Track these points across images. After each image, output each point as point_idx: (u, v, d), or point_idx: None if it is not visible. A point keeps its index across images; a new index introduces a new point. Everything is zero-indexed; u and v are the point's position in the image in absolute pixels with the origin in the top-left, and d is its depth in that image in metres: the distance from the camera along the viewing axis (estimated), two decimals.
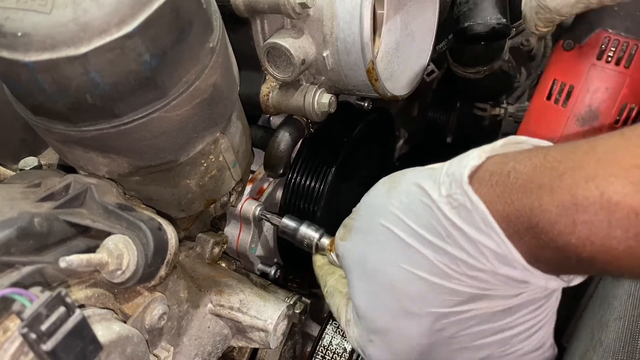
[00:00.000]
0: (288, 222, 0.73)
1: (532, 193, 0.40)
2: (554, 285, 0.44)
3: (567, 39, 0.63)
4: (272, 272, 0.88)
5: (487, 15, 0.99)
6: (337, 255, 0.59)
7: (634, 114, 0.61)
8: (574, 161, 0.38)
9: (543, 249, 0.40)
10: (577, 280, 0.45)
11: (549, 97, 0.64)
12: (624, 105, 0.58)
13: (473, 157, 0.45)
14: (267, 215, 0.79)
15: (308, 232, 0.71)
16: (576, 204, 0.37)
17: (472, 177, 0.44)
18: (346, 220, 0.59)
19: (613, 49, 0.59)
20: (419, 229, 0.46)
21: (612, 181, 0.36)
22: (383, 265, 0.50)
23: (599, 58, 0.59)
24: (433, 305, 0.47)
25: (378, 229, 0.50)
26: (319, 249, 0.70)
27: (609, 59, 0.59)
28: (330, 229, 0.90)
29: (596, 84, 0.59)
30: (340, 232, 0.59)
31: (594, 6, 0.56)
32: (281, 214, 0.86)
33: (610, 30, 0.59)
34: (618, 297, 0.84)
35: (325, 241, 0.70)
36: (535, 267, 0.42)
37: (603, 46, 0.59)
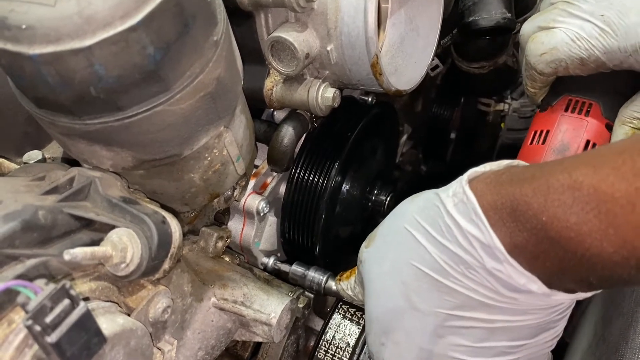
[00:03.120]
0: (296, 268, 0.82)
1: (516, 183, 0.45)
2: (534, 288, 0.45)
3: (542, 106, 0.85)
4: (270, 262, 0.87)
5: (492, 10, 0.99)
6: (360, 262, 0.61)
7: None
8: (557, 161, 0.45)
9: (521, 232, 0.44)
10: (560, 295, 0.46)
11: (531, 143, 0.82)
12: (588, 142, 0.78)
13: (477, 167, 0.51)
14: (278, 265, 0.87)
15: (315, 275, 0.80)
16: (549, 187, 0.42)
17: (473, 180, 0.49)
18: (372, 232, 0.62)
19: (575, 106, 0.80)
20: (428, 226, 0.50)
21: (580, 168, 0.42)
22: (398, 264, 0.53)
23: (565, 110, 0.80)
24: (435, 304, 0.50)
25: (399, 231, 0.54)
26: (326, 291, 0.78)
27: (573, 110, 0.80)
28: (333, 224, 0.90)
29: (565, 126, 0.80)
30: (365, 242, 0.62)
31: (562, 72, 0.75)
32: (285, 209, 0.86)
33: (572, 95, 0.81)
34: (621, 293, 0.83)
35: (332, 283, 0.79)
36: (516, 260, 0.44)
37: (568, 104, 0.81)
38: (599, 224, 0.40)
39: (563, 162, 0.44)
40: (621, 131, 0.74)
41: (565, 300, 0.47)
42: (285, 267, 0.84)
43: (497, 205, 0.45)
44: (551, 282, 0.45)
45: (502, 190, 0.46)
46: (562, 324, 0.52)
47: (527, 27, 0.78)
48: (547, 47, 0.73)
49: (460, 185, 0.48)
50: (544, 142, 0.80)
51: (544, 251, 0.43)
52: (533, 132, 0.83)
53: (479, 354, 0.50)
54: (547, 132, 0.80)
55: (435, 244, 0.49)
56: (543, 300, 0.46)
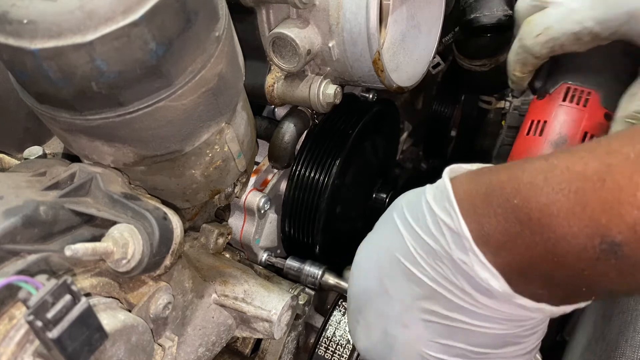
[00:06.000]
0: (292, 262, 0.82)
1: (494, 171, 0.45)
2: (496, 285, 0.43)
3: (539, 93, 0.82)
4: (264, 257, 0.87)
5: (494, 7, 0.98)
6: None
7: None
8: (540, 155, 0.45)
9: (490, 219, 0.43)
10: (523, 300, 0.44)
11: (528, 133, 0.80)
12: (585, 133, 0.76)
13: (464, 164, 0.51)
14: (272, 260, 0.87)
15: (312, 269, 0.80)
16: (524, 171, 0.42)
17: (457, 173, 0.49)
18: None
19: (573, 95, 0.77)
20: (409, 216, 0.50)
21: (558, 154, 0.42)
22: (378, 249, 0.54)
23: (564, 100, 0.78)
24: (403, 292, 0.50)
25: (387, 220, 0.55)
26: (323, 286, 0.78)
27: (572, 99, 0.77)
28: (333, 221, 0.90)
29: (563, 117, 0.77)
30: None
31: (558, 50, 0.72)
32: (285, 206, 0.86)
33: (570, 82, 0.78)
34: None
35: (328, 277, 0.79)
36: (482, 250, 0.43)
37: (566, 93, 0.78)
38: (567, 203, 0.39)
39: (545, 154, 0.44)
40: (622, 127, 0.73)
41: (530, 309, 0.45)
42: (279, 262, 0.84)
43: (472, 193, 0.45)
44: (515, 282, 0.44)
45: (479, 178, 0.46)
46: (533, 341, 0.50)
47: (521, 3, 0.77)
48: (541, 28, 0.72)
49: (442, 176, 0.49)
50: (541, 134, 0.79)
51: (511, 239, 0.42)
52: (530, 122, 0.81)
53: (440, 350, 0.50)
54: (545, 122, 0.79)
55: (411, 232, 0.49)
56: (505, 306, 0.45)
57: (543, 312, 0.46)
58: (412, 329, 0.50)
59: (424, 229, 0.47)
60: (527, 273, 0.43)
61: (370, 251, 0.56)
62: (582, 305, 0.46)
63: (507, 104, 1.43)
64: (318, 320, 0.83)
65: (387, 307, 0.52)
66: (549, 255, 0.41)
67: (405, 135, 1.36)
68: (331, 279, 0.81)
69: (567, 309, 0.46)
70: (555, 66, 0.79)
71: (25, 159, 0.66)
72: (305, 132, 0.86)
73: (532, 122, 0.81)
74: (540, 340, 0.52)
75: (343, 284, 0.80)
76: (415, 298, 0.49)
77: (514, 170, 0.43)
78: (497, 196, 0.43)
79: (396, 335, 0.52)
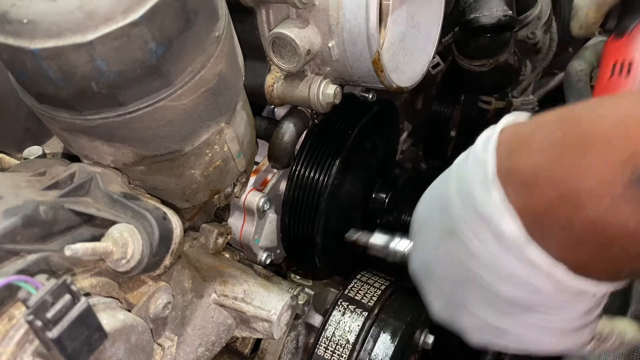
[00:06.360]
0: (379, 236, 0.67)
1: (546, 114, 0.42)
2: (510, 227, 0.40)
3: (616, 31, 0.76)
4: (263, 257, 0.87)
5: (493, 7, 0.98)
6: None
7: None
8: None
9: (523, 155, 0.41)
10: (533, 250, 0.40)
11: (611, 76, 0.74)
12: None
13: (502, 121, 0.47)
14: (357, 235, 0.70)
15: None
16: (554, 142, 0.39)
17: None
18: None
19: None
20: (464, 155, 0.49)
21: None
22: (438, 181, 0.54)
23: None
24: (436, 225, 0.50)
25: (458, 162, 0.53)
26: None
27: None
28: (333, 220, 0.90)
29: None
30: None
31: None
32: (285, 206, 0.86)
33: None
34: (625, 293, 0.83)
35: None
36: (505, 188, 0.41)
37: None
38: (607, 131, 0.37)
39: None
40: None
41: (540, 267, 0.40)
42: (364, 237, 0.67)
43: (518, 131, 0.43)
44: (531, 229, 0.40)
45: (530, 120, 0.44)
46: (563, 317, 0.45)
47: None
48: None
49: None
50: (628, 74, 0.72)
51: (538, 174, 0.40)
52: (612, 65, 0.75)
53: (462, 298, 0.49)
54: (630, 63, 0.73)
55: (456, 168, 0.49)
56: (518, 264, 0.41)
57: (556, 280, 0.41)
58: (441, 265, 0.50)
59: (462, 165, 0.47)
60: (545, 219, 0.40)
61: (434, 182, 0.57)
62: (602, 288, 0.42)
63: (508, 104, 1.44)
64: (317, 320, 0.83)
65: (428, 235, 0.53)
66: (572, 194, 0.38)
67: (405, 135, 1.36)
68: None
69: (582, 284, 0.41)
70: (629, 3, 0.74)
71: (25, 158, 0.66)
72: (305, 132, 0.86)
73: (615, 64, 0.75)
74: (574, 327, 0.46)
75: None
76: (444, 232, 0.48)
77: (569, 107, 0.42)
78: (541, 132, 0.41)
79: (431, 266, 0.53)
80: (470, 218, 0.43)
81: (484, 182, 0.42)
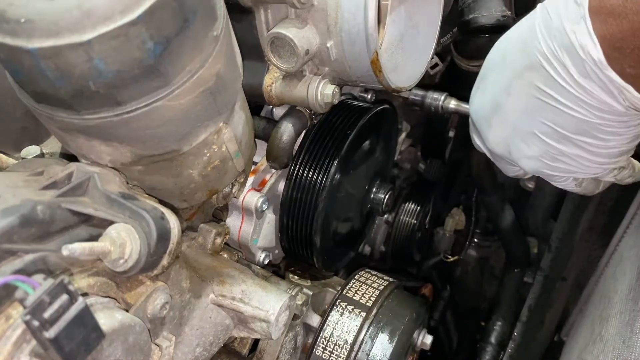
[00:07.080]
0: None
1: None
2: (593, 54, 0.47)
3: None
4: (261, 257, 0.87)
5: (492, 8, 0.98)
6: None
7: None
8: None
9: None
10: (611, 73, 0.47)
11: None
12: None
13: None
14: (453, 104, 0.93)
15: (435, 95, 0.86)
16: None
17: None
18: None
19: None
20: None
21: None
22: (514, 29, 0.62)
23: None
24: (516, 61, 0.58)
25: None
26: (445, 110, 0.86)
27: None
28: (332, 221, 0.90)
29: None
30: None
31: None
32: (283, 206, 0.86)
33: None
34: (619, 292, 0.84)
35: (451, 101, 0.84)
36: (592, 18, 0.47)
37: None
38: None
39: None
40: None
41: (617, 86, 0.48)
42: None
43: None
44: (611, 55, 0.47)
45: None
46: (612, 144, 0.55)
47: None
48: None
49: None
50: None
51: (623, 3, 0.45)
52: None
53: (528, 124, 0.57)
54: None
55: (542, 10, 0.54)
56: (595, 86, 0.48)
57: (628, 100, 0.49)
58: (513, 99, 0.58)
59: (553, 6, 0.52)
60: (624, 46, 0.46)
61: (509, 32, 0.61)
62: None
63: None
64: (316, 320, 0.82)
65: (500, 75, 0.60)
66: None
67: (403, 135, 1.36)
68: (452, 103, 0.88)
69: None
70: None
71: (23, 158, 0.66)
72: (304, 132, 0.86)
73: None
74: (621, 151, 0.56)
75: (464, 106, 0.85)
76: (524, 67, 0.56)
77: None
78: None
79: (500, 101, 0.61)
80: (558, 47, 0.51)
81: (576, 15, 0.48)
